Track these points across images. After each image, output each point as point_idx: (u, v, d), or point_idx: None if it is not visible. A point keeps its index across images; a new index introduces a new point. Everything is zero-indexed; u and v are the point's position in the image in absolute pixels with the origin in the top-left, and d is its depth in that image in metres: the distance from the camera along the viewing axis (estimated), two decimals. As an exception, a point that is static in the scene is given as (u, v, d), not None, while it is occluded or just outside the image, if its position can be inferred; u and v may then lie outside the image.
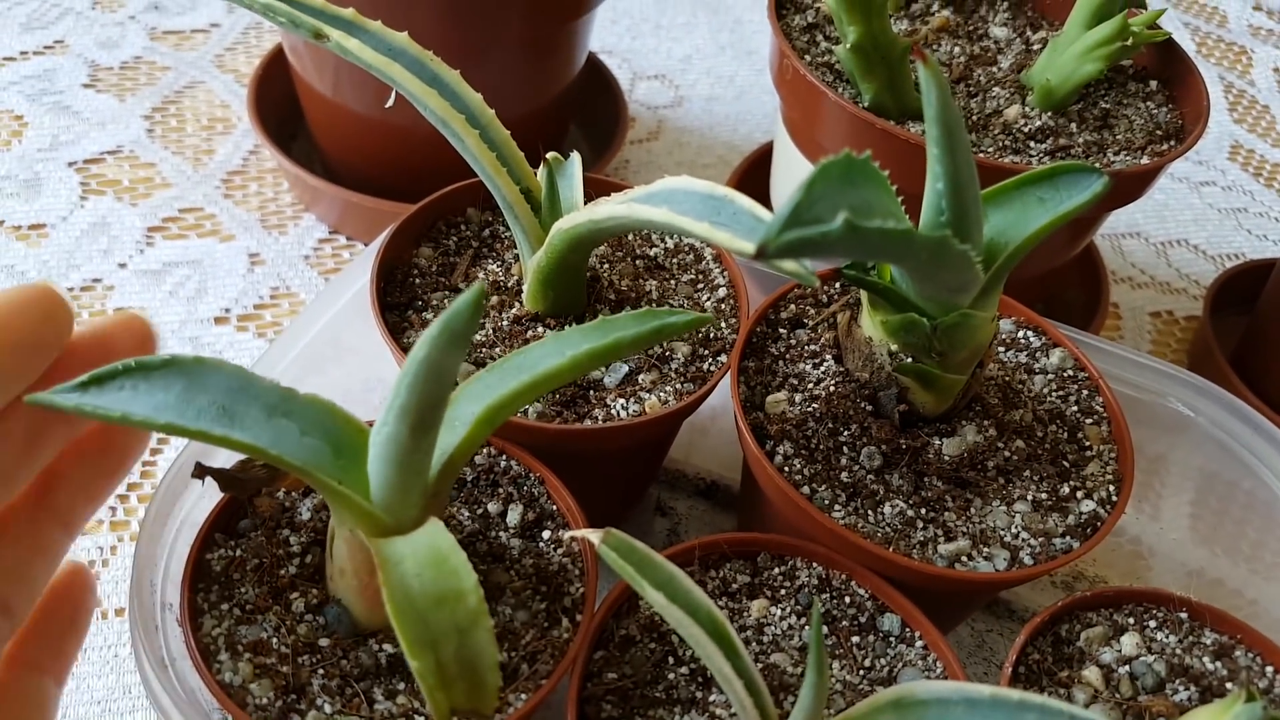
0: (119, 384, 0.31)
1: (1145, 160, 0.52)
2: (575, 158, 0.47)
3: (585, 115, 0.76)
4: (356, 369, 0.53)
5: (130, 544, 0.51)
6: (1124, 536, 0.55)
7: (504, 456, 0.42)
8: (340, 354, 0.52)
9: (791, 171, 0.58)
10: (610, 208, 0.39)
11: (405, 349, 0.44)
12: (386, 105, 0.43)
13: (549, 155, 0.44)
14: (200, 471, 0.37)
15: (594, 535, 0.34)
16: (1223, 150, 0.85)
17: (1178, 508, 0.56)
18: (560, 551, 0.39)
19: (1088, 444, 0.44)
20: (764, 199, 0.65)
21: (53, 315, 0.29)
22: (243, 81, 0.76)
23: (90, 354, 0.31)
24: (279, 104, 0.70)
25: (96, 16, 0.80)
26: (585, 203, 0.51)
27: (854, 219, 0.27)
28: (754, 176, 0.70)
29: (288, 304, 0.63)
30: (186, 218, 0.67)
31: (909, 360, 0.41)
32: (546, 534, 0.40)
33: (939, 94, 0.29)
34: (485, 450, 0.42)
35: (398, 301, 0.46)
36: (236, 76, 0.77)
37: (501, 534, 0.40)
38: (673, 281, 0.49)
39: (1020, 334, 0.48)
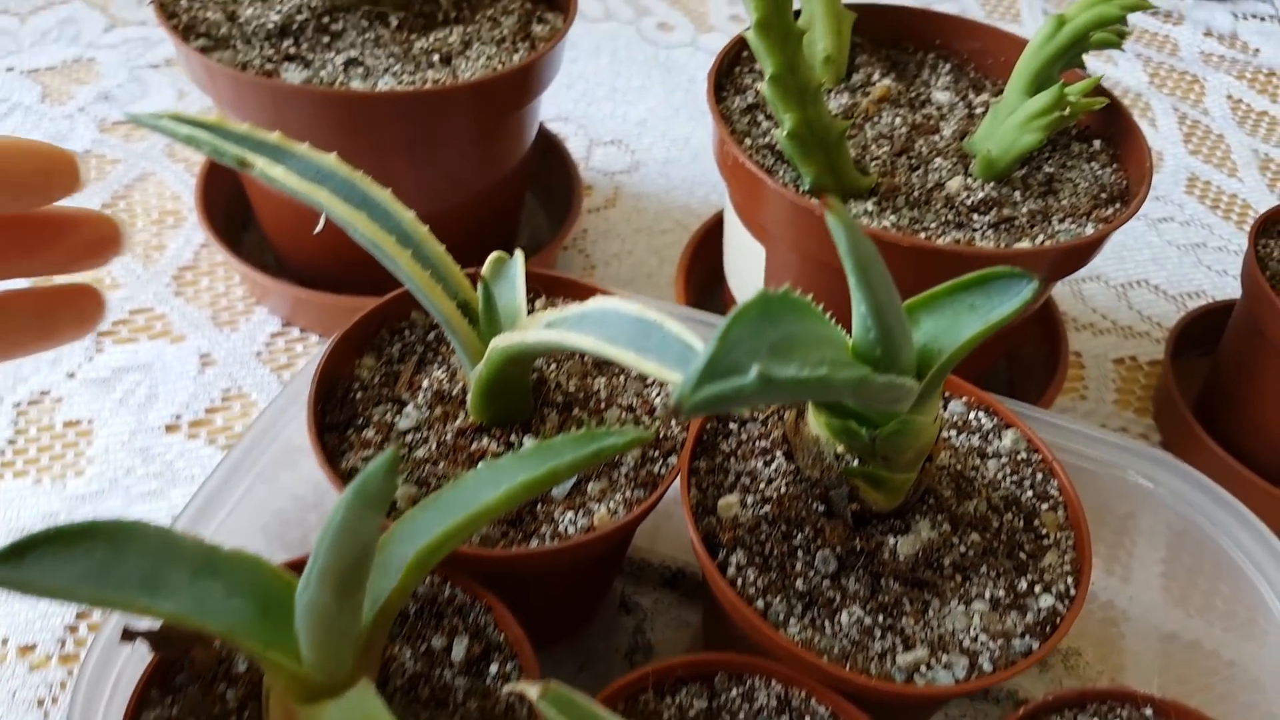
0: (39, 554, 0.31)
1: (1090, 228, 0.52)
2: (517, 258, 0.46)
3: (541, 185, 0.76)
4: (309, 472, 0.52)
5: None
6: (1096, 603, 0.55)
7: (448, 585, 0.41)
8: (293, 457, 0.52)
9: (741, 248, 0.58)
10: (541, 333, 0.38)
11: (343, 474, 0.43)
12: (316, 231, 0.42)
13: (483, 273, 0.44)
14: (128, 636, 0.36)
15: (532, 690, 0.33)
16: (1179, 184, 0.85)
17: (1148, 568, 0.55)
18: (508, 688, 0.38)
19: (1044, 532, 0.44)
20: (720, 267, 0.65)
21: (51, 172, 0.33)
22: (193, 171, 0.76)
23: (48, 234, 0.36)
24: (229, 194, 0.70)
25: (45, 110, 0.80)
26: (530, 302, 0.51)
27: (768, 370, 0.27)
28: (710, 243, 0.70)
29: (239, 406, 0.62)
30: (136, 319, 0.66)
31: (855, 463, 0.41)
32: (494, 667, 0.39)
33: (847, 235, 0.28)
34: (429, 579, 0.41)
35: (337, 421, 0.45)
36: (187, 165, 0.77)
37: (446, 673, 0.39)
38: (622, 378, 0.49)
39: (971, 415, 0.48)
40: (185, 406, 0.62)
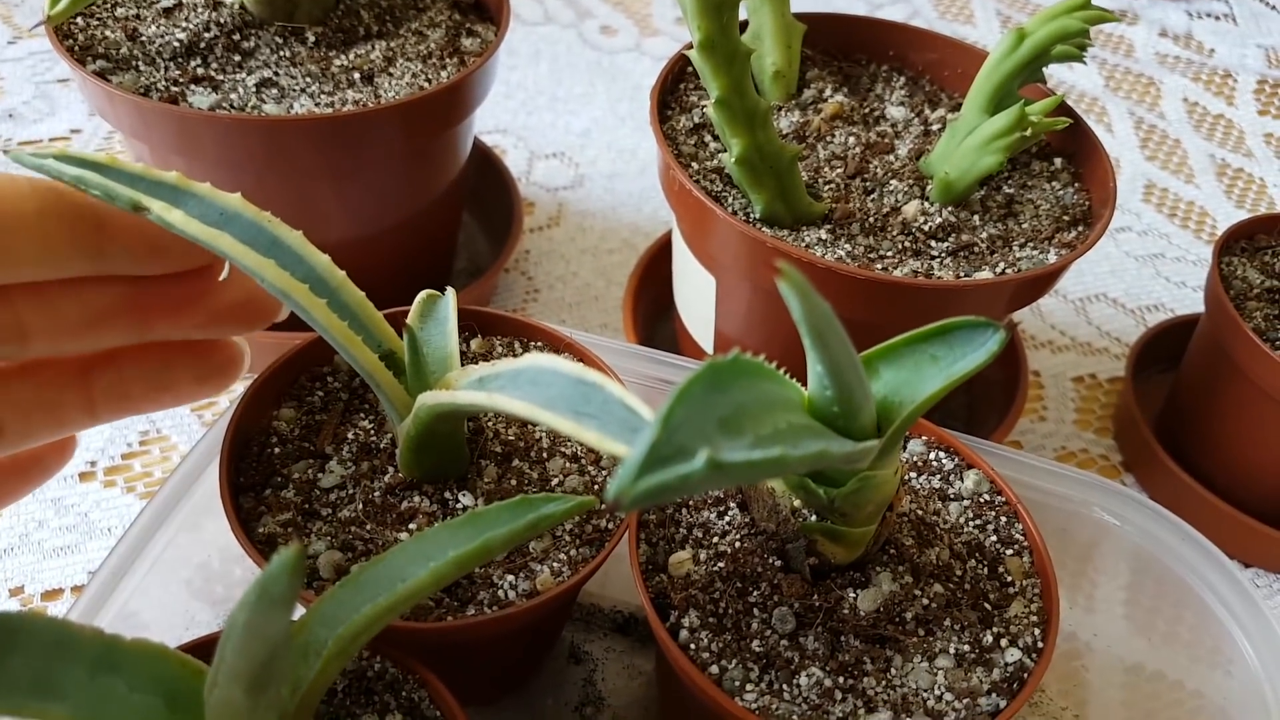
0: None
1: (1052, 253, 0.50)
2: (448, 298, 0.43)
3: (479, 203, 0.73)
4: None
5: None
6: (1060, 636, 0.53)
7: (378, 659, 0.38)
8: (216, 505, 0.48)
9: (690, 277, 0.55)
10: (470, 395, 0.35)
11: (259, 543, 0.39)
12: (220, 278, 0.38)
13: (409, 320, 0.40)
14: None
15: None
16: (1136, 192, 0.84)
17: (1111, 598, 0.54)
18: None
19: (1009, 579, 0.41)
20: (671, 290, 0.62)
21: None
22: (108, 193, 0.71)
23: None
24: (145, 220, 0.65)
25: (-55, 129, 0.75)
26: (464, 340, 0.47)
27: (718, 454, 0.24)
28: (659, 264, 0.67)
29: (158, 449, 0.58)
30: (47, 356, 0.62)
31: (813, 518, 0.38)
32: (429, 749, 0.36)
33: (801, 301, 0.26)
34: (357, 653, 0.38)
35: (253, 481, 0.42)
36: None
37: (377, 755, 0.36)
38: (564, 423, 0.45)
39: (932, 455, 0.45)
40: (100, 452, 0.57)
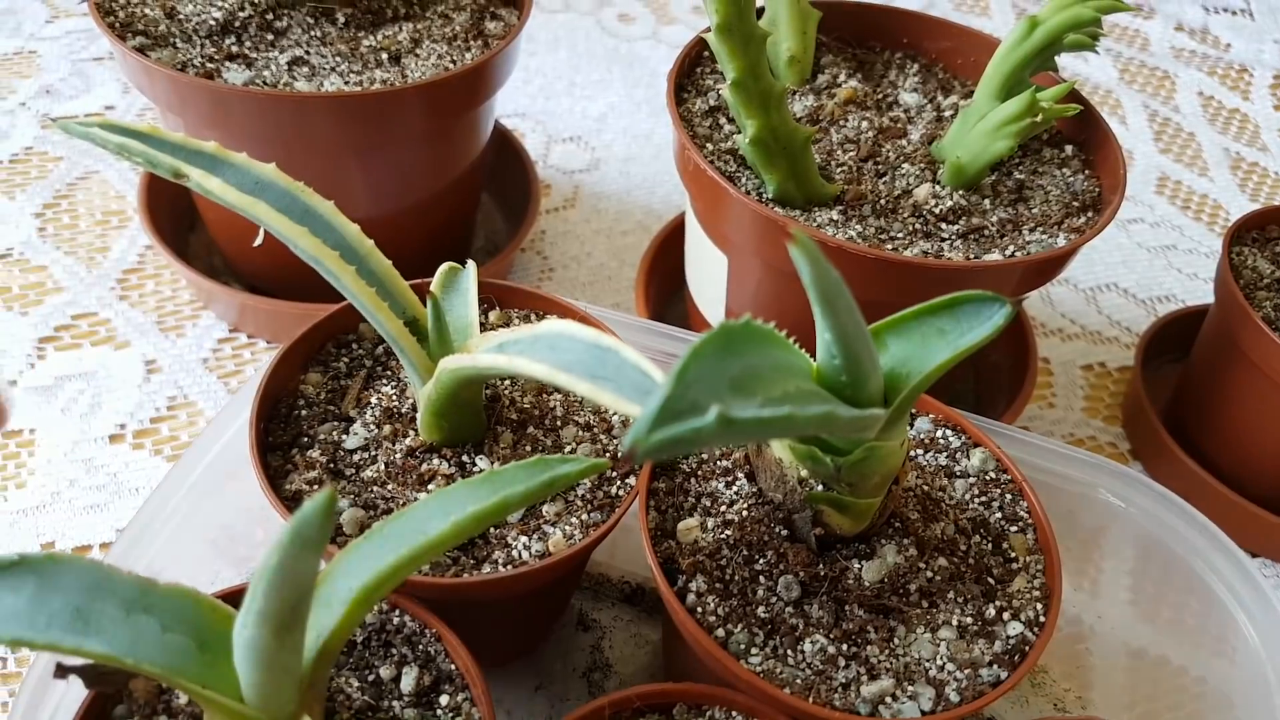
0: None
1: (1061, 238, 0.50)
2: (469, 270, 0.44)
3: (497, 184, 0.74)
4: (255, 485, 0.50)
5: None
6: (1063, 618, 0.54)
7: (396, 612, 0.40)
8: (240, 469, 0.50)
9: (703, 256, 0.56)
10: (491, 358, 0.36)
11: (287, 499, 0.41)
12: (255, 244, 0.40)
13: (433, 287, 0.42)
14: (61, 672, 0.34)
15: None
16: (1149, 184, 0.84)
17: (1116, 583, 0.55)
18: (459, 721, 0.37)
19: (1013, 555, 0.43)
20: (682, 271, 0.63)
21: None
22: (138, 170, 0.73)
23: None
24: (174, 195, 0.67)
25: (-17, 104, 0.77)
26: (483, 313, 0.49)
27: (728, 410, 0.25)
28: (671, 246, 0.68)
29: (185, 415, 0.59)
30: (80, 324, 0.63)
31: (820, 487, 0.39)
32: (445, 699, 0.38)
33: (811, 266, 0.27)
34: (376, 606, 0.40)
35: (281, 441, 0.43)
36: (132, 164, 0.73)
37: (395, 704, 0.37)
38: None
39: (939, 433, 0.46)
40: (130, 416, 0.59)
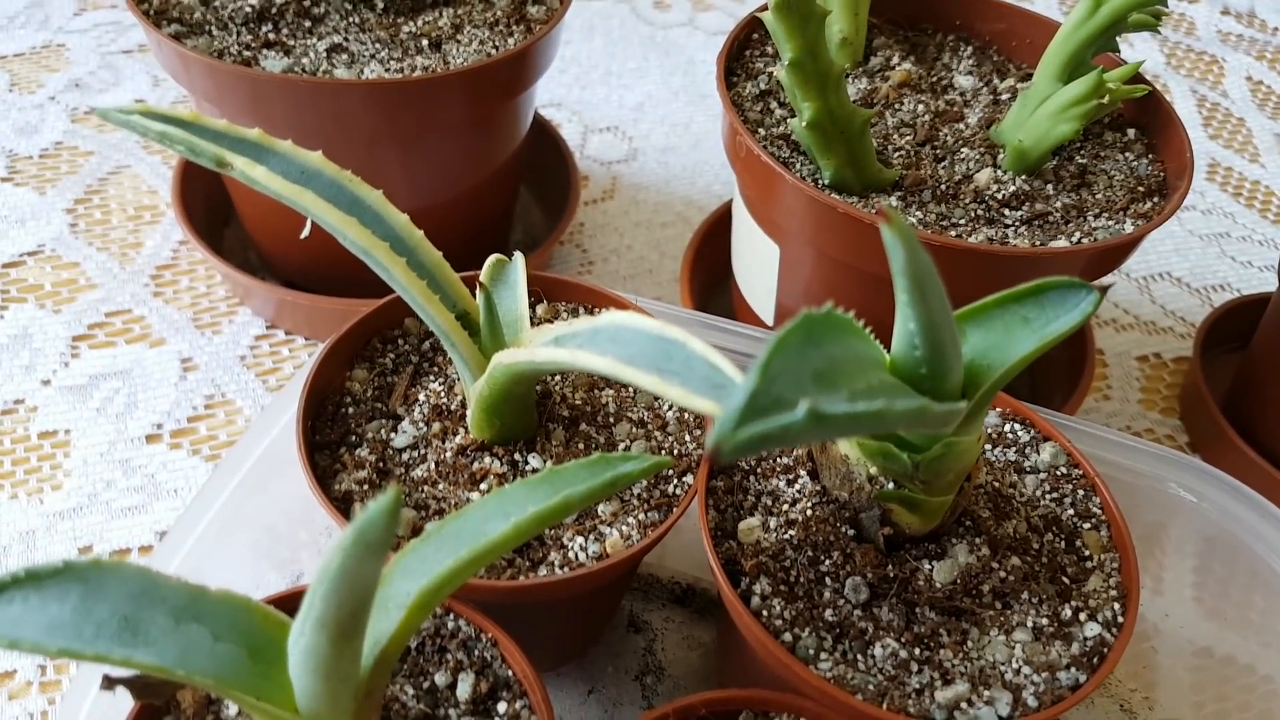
0: (9, 598, 0.29)
1: (1128, 224, 0.48)
2: (517, 262, 0.43)
3: (535, 175, 0.73)
4: (297, 485, 0.49)
5: (59, 707, 0.47)
6: (1128, 617, 0.52)
7: (451, 616, 0.38)
8: (281, 468, 0.49)
9: (752, 245, 0.54)
10: (551, 352, 0.35)
11: (336, 500, 0.40)
12: (302, 236, 0.39)
13: (482, 279, 0.40)
14: (109, 684, 0.33)
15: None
16: (1200, 171, 0.82)
17: (1181, 577, 0.53)
18: (519, 732, 0.36)
19: (1087, 553, 0.41)
20: (727, 263, 0.61)
21: None
22: (170, 163, 0.72)
23: None
24: (209, 188, 0.66)
25: (14, 100, 0.76)
26: (531, 309, 0.47)
27: (818, 405, 0.24)
28: (714, 237, 0.66)
29: (223, 413, 0.58)
30: (114, 322, 0.62)
31: (890, 485, 0.38)
32: (503, 705, 0.36)
33: (905, 250, 0.25)
34: (432, 611, 0.38)
35: (328, 439, 0.42)
36: (164, 158, 0.73)
37: (451, 712, 0.36)
38: (632, 390, 0.45)
39: (1007, 427, 0.45)
40: (167, 415, 0.58)
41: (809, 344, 0.26)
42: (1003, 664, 0.37)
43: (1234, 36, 0.96)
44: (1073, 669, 0.37)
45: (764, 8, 0.44)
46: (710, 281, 0.67)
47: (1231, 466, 0.60)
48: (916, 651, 0.37)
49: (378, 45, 0.52)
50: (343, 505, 0.40)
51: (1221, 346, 0.66)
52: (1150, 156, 0.53)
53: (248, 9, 0.52)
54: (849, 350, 0.29)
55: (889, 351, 0.33)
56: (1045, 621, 0.38)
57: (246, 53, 0.50)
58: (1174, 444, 0.63)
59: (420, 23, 0.53)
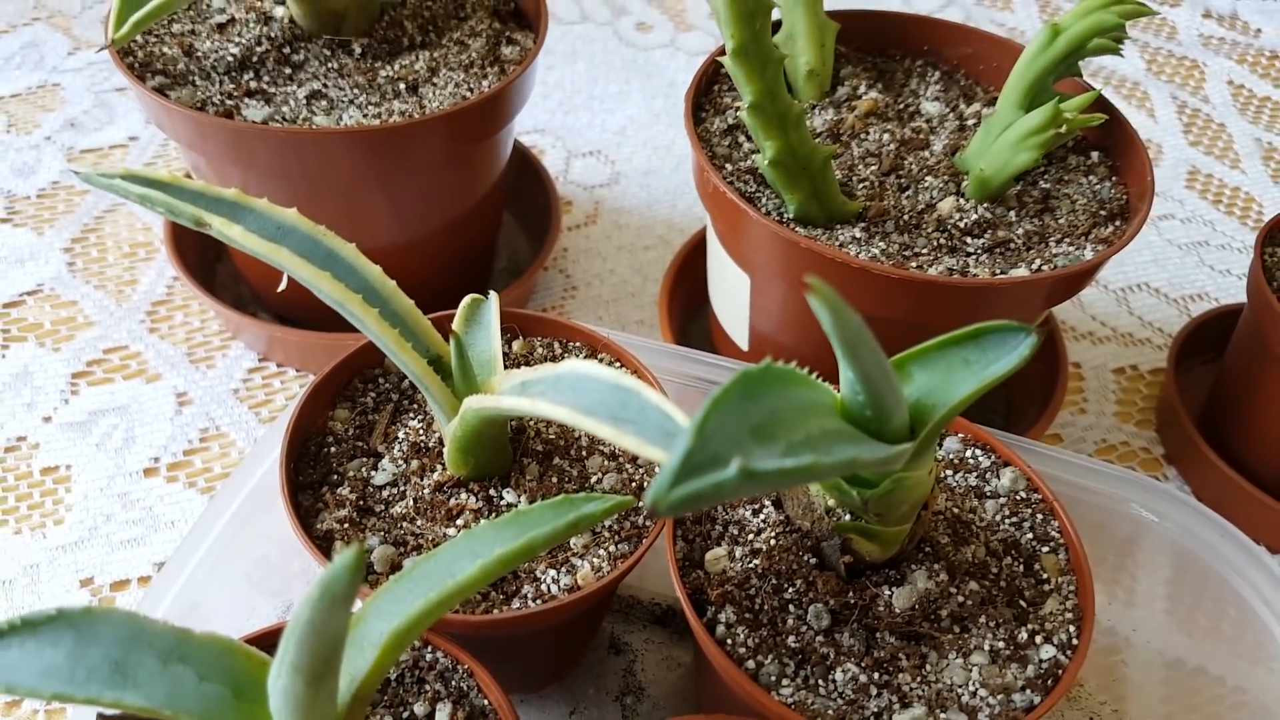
0: (5, 644, 0.31)
1: (1089, 249, 0.50)
2: (491, 302, 0.45)
3: (519, 204, 0.74)
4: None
5: (63, 736, 0.49)
6: (1097, 630, 0.53)
7: (429, 648, 0.40)
8: (272, 499, 0.50)
9: (725, 275, 0.56)
10: (514, 400, 0.36)
11: (318, 539, 0.41)
12: (279, 289, 0.40)
13: (454, 325, 0.42)
14: (102, 722, 0.35)
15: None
16: (1179, 178, 0.83)
17: (1151, 593, 0.54)
18: (493, 762, 0.37)
19: (1045, 576, 0.42)
20: (705, 286, 0.63)
21: None
22: (164, 198, 0.74)
23: None
24: (200, 225, 0.68)
25: (11, 140, 0.78)
26: (506, 342, 0.49)
27: (750, 462, 0.25)
28: (694, 261, 0.68)
29: (218, 446, 0.60)
30: (111, 359, 0.64)
31: (848, 517, 0.39)
32: (479, 736, 0.38)
33: (831, 314, 0.27)
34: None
35: (311, 479, 0.44)
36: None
37: (430, 743, 0.38)
38: (604, 422, 0.47)
39: (968, 453, 0.46)
40: (163, 449, 0.60)
41: (746, 400, 0.28)
42: (960, 687, 0.39)
43: (1215, 40, 0.97)
44: (1028, 691, 0.39)
45: (723, 51, 0.45)
46: (689, 304, 0.68)
47: (1204, 479, 0.61)
48: (876, 676, 0.39)
49: (356, 90, 0.53)
50: (324, 544, 0.41)
51: (1197, 358, 0.67)
52: (1113, 179, 0.54)
53: (229, 58, 0.54)
54: (790, 400, 0.30)
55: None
56: (1002, 645, 0.40)
57: (229, 102, 0.52)
58: (1149, 456, 0.64)
59: (397, 66, 0.55)
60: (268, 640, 0.37)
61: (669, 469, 0.25)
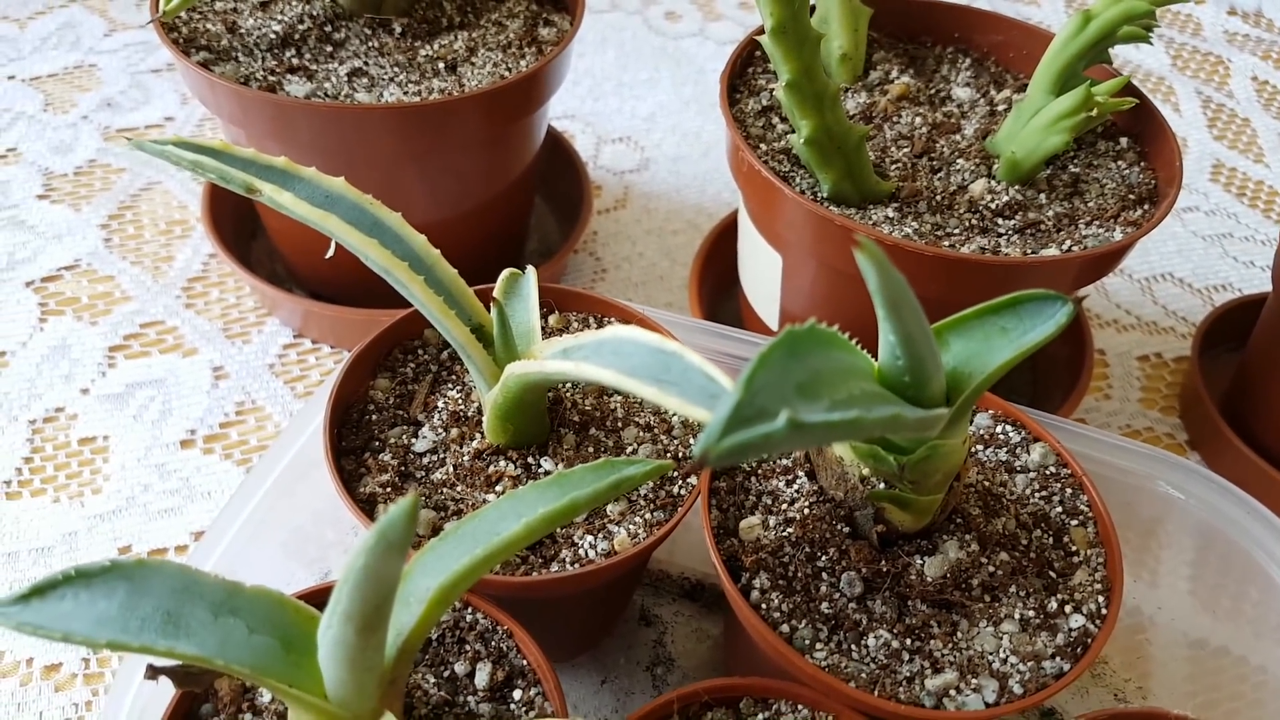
0: (60, 594, 0.31)
1: (1118, 231, 0.50)
2: (529, 276, 0.45)
3: (550, 187, 0.75)
4: (324, 486, 0.52)
5: (105, 698, 0.50)
6: (1123, 609, 0.54)
7: (469, 610, 0.41)
8: (309, 471, 0.51)
9: (757, 255, 0.57)
10: (558, 364, 0.37)
11: (361, 502, 0.42)
12: (327, 256, 0.41)
13: (496, 293, 0.43)
14: (152, 673, 0.35)
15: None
16: (1204, 171, 0.83)
17: (1176, 573, 0.54)
18: (533, 714, 0.38)
19: (1074, 549, 0.43)
20: (734, 269, 0.64)
21: None
22: (200, 179, 0.75)
23: None
24: (236, 203, 0.69)
25: (48, 119, 0.79)
26: (543, 319, 0.50)
27: (797, 414, 0.26)
28: (723, 245, 0.68)
29: (253, 419, 0.61)
30: (148, 333, 0.65)
31: (882, 485, 0.40)
32: (518, 693, 0.39)
33: (878, 272, 0.27)
34: (452, 606, 0.41)
35: (353, 445, 0.44)
36: (193, 174, 0.76)
37: (470, 699, 0.38)
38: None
39: (999, 429, 0.47)
40: (200, 421, 0.61)
41: (791, 358, 0.29)
42: (990, 654, 0.39)
43: (1240, 36, 0.97)
44: (1057, 658, 0.39)
45: (762, 30, 0.46)
46: (718, 287, 0.69)
47: (1229, 465, 0.62)
48: (908, 642, 0.39)
49: (396, 69, 0.54)
50: (367, 507, 0.42)
51: (1221, 346, 0.68)
52: (1142, 165, 0.55)
53: (272, 35, 0.55)
54: (832, 362, 0.31)
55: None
56: (1032, 613, 0.40)
57: (271, 78, 0.53)
58: (1173, 442, 0.64)
59: (436, 46, 0.56)
60: (314, 599, 0.38)
61: (719, 419, 0.26)
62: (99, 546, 0.55)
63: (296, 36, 0.55)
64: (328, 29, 0.55)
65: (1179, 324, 0.71)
